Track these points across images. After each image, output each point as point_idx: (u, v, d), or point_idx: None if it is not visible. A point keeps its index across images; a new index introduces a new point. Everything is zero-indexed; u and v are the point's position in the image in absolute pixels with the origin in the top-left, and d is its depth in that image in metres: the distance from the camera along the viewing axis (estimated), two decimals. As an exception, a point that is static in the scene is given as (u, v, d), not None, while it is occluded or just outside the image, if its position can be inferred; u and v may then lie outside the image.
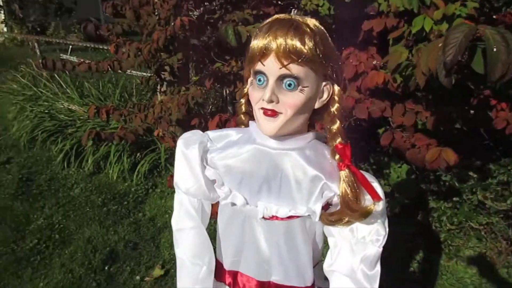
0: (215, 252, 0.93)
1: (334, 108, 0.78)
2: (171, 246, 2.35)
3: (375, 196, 0.78)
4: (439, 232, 2.42)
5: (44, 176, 3.28)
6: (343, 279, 0.81)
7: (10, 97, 4.73)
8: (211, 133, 0.88)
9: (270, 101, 0.72)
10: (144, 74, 3.91)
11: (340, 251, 0.82)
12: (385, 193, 2.59)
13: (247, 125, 0.88)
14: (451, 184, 2.38)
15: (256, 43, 0.72)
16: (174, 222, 0.89)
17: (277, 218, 0.80)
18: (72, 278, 2.10)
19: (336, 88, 0.78)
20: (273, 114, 0.73)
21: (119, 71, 2.47)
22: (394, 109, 1.84)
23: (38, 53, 4.93)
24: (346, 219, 0.77)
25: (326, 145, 0.82)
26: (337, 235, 0.83)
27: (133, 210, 2.77)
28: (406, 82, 1.72)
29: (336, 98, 0.78)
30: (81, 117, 3.71)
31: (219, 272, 0.92)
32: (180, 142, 0.86)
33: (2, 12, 8.71)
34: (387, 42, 1.87)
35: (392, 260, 2.31)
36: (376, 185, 0.80)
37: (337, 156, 0.78)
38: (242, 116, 0.88)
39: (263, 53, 0.71)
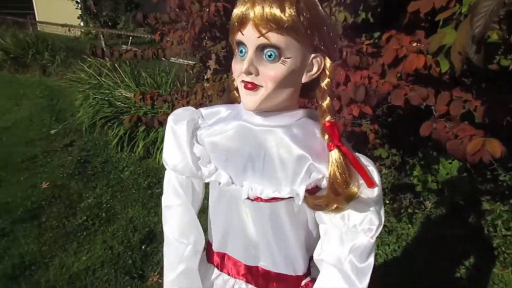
0: (207, 233, 0.91)
1: (324, 83, 0.72)
2: (205, 231, 2.38)
3: (369, 182, 0.70)
4: (492, 237, 2.19)
5: (99, 158, 3.49)
6: (330, 269, 0.74)
7: (78, 85, 5.10)
8: (203, 110, 0.85)
9: (249, 72, 0.68)
10: (195, 63, 4.00)
11: (330, 239, 0.76)
12: (432, 190, 2.38)
13: (240, 102, 0.84)
14: (510, 185, 2.13)
15: (236, 11, 0.68)
16: (163, 199, 0.88)
17: (261, 199, 0.76)
18: (111, 254, 2.21)
19: (328, 61, 0.71)
20: (253, 87, 0.69)
21: (163, 58, 2.53)
22: (439, 97, 1.68)
23: (103, 44, 5.27)
24: (335, 204, 0.71)
25: (318, 124, 0.75)
26: (328, 222, 0.76)
27: (175, 195, 2.85)
28: (452, 67, 1.56)
29: (327, 72, 0.71)
30: (136, 104, 3.89)
31: (209, 253, 0.90)
32: (170, 118, 0.84)
33: (79, 7, 9.44)
34: (437, 24, 1.71)
35: (436, 262, 2.14)
36: (371, 169, 0.73)
37: (326, 136, 0.71)
38: (235, 92, 0.84)
39: (242, 21, 0.66)
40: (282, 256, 0.81)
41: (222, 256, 0.87)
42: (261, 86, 0.68)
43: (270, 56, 0.66)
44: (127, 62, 4.80)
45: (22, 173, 3.19)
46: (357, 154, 0.74)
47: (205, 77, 2.93)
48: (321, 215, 0.77)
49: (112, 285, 1.97)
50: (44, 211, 2.66)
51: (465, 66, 1.54)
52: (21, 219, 2.54)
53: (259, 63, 0.67)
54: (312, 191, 0.73)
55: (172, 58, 4.74)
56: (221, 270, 0.87)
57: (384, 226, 2.49)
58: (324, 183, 0.72)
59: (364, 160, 0.74)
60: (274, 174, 0.74)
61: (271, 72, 0.67)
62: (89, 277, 2.03)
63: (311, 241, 0.82)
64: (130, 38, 6.22)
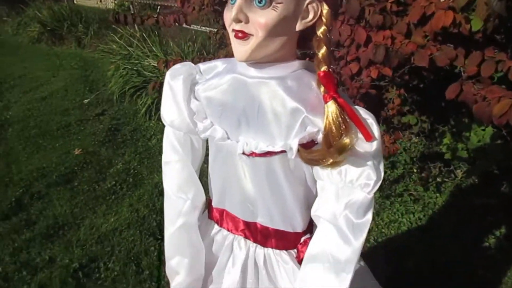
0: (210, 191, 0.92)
1: (320, 31, 0.68)
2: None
3: (367, 135, 0.67)
4: (526, 206, 2.08)
5: (129, 127, 3.59)
6: (325, 225, 0.73)
7: (110, 56, 5.20)
8: (202, 65, 0.84)
9: (238, 20, 0.65)
10: (217, 29, 3.95)
11: (326, 195, 0.74)
12: (462, 159, 2.28)
13: None
14: (548, 152, 2.00)
15: None
16: (163, 155, 0.89)
17: (256, 154, 0.74)
18: (137, 217, 2.30)
19: (325, 7, 0.67)
20: (243, 36, 0.66)
21: (185, 25, 2.51)
22: (470, 58, 1.57)
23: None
24: (329, 159, 0.68)
25: (315, 76, 0.71)
26: (325, 178, 0.74)
27: (200, 162, 2.90)
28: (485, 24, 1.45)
29: (323, 19, 0.67)
30: (163, 73, 3.92)
31: (210, 209, 0.91)
32: (167, 73, 0.83)
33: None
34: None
35: (464, 231, 2.08)
36: (370, 122, 0.69)
37: (322, 87, 0.68)
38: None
39: None
40: (280, 212, 0.80)
41: (221, 212, 0.87)
42: (252, 35, 0.66)
43: (260, 1, 0.63)
44: (156, 32, 4.83)
45: (57, 140, 3.34)
46: (356, 107, 0.71)
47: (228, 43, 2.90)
48: (319, 171, 0.74)
49: (137, 245, 2.06)
50: (76, 176, 2.78)
51: (496, 21, 1.42)
52: (56, 183, 2.68)
53: (249, 9, 0.64)
54: (307, 146, 0.71)
55: (196, 26, 4.71)
56: (221, 226, 0.88)
57: (410, 194, 2.43)
58: (320, 137, 0.70)
59: (363, 113, 0.70)
60: (268, 128, 0.72)
61: (261, 19, 0.64)
62: (116, 237, 2.13)
63: (310, 199, 0.81)
64: (158, 7, 6.21)
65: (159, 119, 3.59)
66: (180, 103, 0.80)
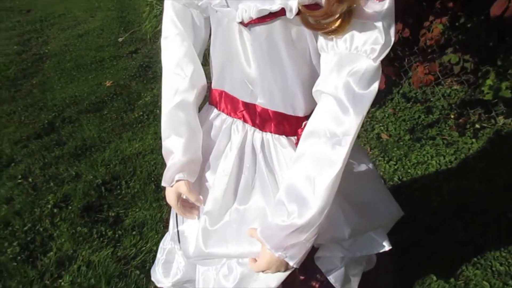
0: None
1: None
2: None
3: (377, -10, 0.59)
4: None
5: (160, 65, 3.55)
6: (325, 98, 0.67)
7: (147, -2, 5.17)
8: None
9: None
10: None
11: (329, 66, 0.67)
12: (504, 99, 2.14)
13: None
14: None
15: None
16: (162, 32, 0.85)
17: (255, 21, 0.68)
18: (161, 144, 2.32)
19: None
20: None
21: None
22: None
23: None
24: (335, 20, 0.61)
25: None
26: (330, 49, 0.67)
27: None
28: None
29: None
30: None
31: (210, 94, 0.87)
32: None
33: None
34: None
35: (496, 175, 1.96)
36: None
37: None
38: None
39: None
40: (280, 92, 0.75)
41: (220, 93, 0.83)
42: None
43: None
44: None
45: (90, 73, 3.41)
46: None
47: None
48: (323, 42, 0.68)
49: (158, 168, 2.10)
50: (106, 105, 2.85)
51: None
52: (86, 110, 2.76)
53: None
54: (310, 8, 0.64)
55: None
56: (219, 109, 0.83)
57: (443, 138, 2.29)
58: (324, 1, 0.62)
59: None
60: None
61: None
62: (139, 160, 2.18)
63: (314, 80, 0.74)
64: None
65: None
66: (178, -32, 0.74)
